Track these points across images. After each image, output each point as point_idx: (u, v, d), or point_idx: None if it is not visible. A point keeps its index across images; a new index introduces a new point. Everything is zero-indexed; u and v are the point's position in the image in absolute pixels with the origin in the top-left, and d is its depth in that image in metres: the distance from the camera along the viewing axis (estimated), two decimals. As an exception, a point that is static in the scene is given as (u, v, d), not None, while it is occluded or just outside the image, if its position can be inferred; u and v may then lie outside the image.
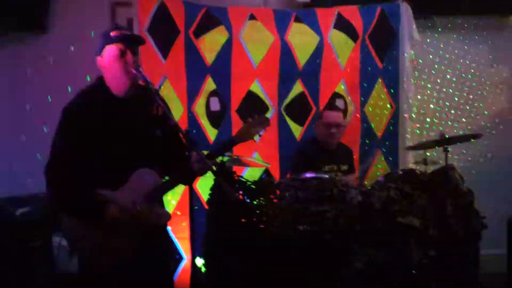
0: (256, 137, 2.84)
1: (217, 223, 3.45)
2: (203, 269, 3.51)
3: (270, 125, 2.88)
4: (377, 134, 4.99)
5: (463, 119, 5.33)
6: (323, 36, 4.76)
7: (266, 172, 4.56)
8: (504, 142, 5.31)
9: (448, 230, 3.46)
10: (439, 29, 5.27)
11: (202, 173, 2.65)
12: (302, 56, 4.72)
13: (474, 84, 5.35)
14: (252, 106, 4.58)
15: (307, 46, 4.75)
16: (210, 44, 4.50)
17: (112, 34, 2.65)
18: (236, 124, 4.52)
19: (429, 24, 5.23)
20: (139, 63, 2.68)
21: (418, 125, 5.12)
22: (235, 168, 3.94)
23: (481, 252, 3.69)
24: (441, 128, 5.15)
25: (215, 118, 4.54)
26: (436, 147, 4.53)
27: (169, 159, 2.78)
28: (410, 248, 3.29)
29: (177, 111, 4.29)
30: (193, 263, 2.73)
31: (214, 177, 2.83)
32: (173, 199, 4.18)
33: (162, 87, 4.25)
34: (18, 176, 4.43)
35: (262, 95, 4.67)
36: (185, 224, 4.02)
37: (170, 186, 2.73)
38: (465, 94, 5.34)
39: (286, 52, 4.67)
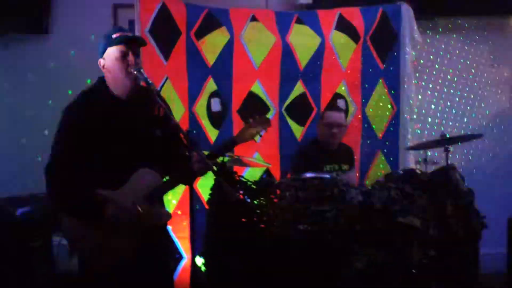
0: (257, 138, 2.86)
1: (218, 222, 3.46)
2: (203, 269, 3.52)
3: (271, 126, 2.90)
4: (378, 135, 4.99)
5: (464, 119, 5.34)
6: (325, 37, 4.76)
7: (267, 172, 4.57)
8: (504, 142, 5.32)
9: (448, 230, 3.46)
10: (440, 30, 5.28)
11: (202, 173, 2.67)
12: (303, 57, 4.72)
13: (475, 84, 5.35)
14: (253, 106, 4.59)
15: (308, 47, 4.75)
16: (212, 45, 4.51)
17: (113, 35, 2.67)
18: (237, 124, 4.53)
19: (430, 25, 5.24)
20: (140, 65, 2.70)
21: (419, 125, 5.13)
22: (235, 168, 3.95)
23: (481, 251, 3.70)
24: (442, 128, 5.16)
25: (216, 119, 4.55)
26: (437, 147, 4.54)
27: (169, 160, 2.79)
28: (410, 248, 3.29)
29: (178, 112, 4.30)
30: (193, 263, 2.74)
31: (214, 177, 2.85)
32: (173, 198, 4.20)
33: (163, 88, 4.27)
34: (18, 176, 4.45)
35: (263, 95, 4.68)
36: (185, 224, 4.03)
37: (170, 186, 2.75)
38: (465, 94, 5.34)
39: (287, 53, 4.67)
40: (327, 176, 3.57)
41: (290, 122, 4.75)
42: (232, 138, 2.89)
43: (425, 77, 5.29)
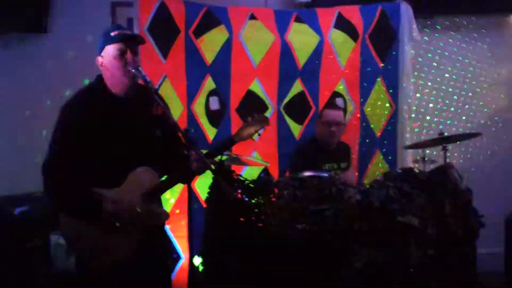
0: (255, 136, 2.85)
1: (216, 221, 3.45)
2: (200, 268, 3.52)
3: (269, 124, 2.89)
4: (376, 134, 4.99)
5: (463, 118, 5.34)
6: (323, 36, 4.76)
7: (265, 171, 4.56)
8: (503, 141, 5.32)
9: (447, 229, 3.45)
10: (439, 28, 5.28)
11: (201, 172, 2.65)
12: (302, 56, 4.72)
13: (473, 82, 5.35)
14: (252, 105, 4.59)
15: (307, 46, 4.75)
16: (210, 44, 4.51)
17: (112, 33, 2.66)
18: (236, 123, 4.53)
19: (429, 23, 5.24)
20: (139, 63, 2.69)
21: (417, 124, 5.13)
22: (234, 167, 3.95)
23: (479, 250, 3.69)
24: (440, 127, 5.15)
25: (215, 117, 4.55)
26: (435, 146, 4.54)
27: (168, 159, 2.78)
28: (409, 247, 3.29)
29: (177, 110, 4.31)
30: (191, 262, 2.73)
31: (212, 176, 2.84)
32: (171, 197, 4.20)
33: (161, 86, 4.26)
34: (16, 175, 4.44)
35: (261, 94, 4.68)
36: (183, 223, 4.03)
37: (168, 185, 2.74)
38: (464, 93, 5.34)
39: (286, 52, 4.67)
40: (325, 174, 3.57)
41: (289, 120, 4.75)
42: (230, 136, 2.88)
43: (424, 75, 5.29)
